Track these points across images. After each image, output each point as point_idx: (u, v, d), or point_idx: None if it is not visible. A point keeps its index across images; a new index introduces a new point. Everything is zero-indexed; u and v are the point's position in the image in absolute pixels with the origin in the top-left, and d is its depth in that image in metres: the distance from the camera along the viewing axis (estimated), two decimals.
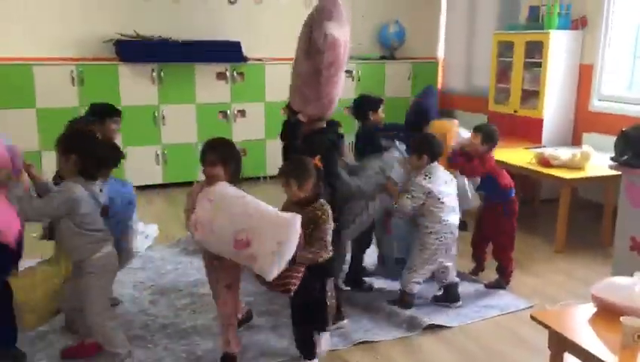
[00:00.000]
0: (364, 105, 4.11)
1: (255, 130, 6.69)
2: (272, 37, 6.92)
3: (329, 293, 2.89)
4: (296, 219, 2.61)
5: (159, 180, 6.39)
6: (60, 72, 5.82)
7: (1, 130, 5.59)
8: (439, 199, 3.50)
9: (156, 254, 4.51)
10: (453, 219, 3.58)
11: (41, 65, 5.77)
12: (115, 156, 3.03)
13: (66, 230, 2.73)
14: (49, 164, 5.83)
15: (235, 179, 2.87)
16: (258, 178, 6.72)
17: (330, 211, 2.82)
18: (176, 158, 6.33)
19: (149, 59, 6.10)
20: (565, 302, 3.58)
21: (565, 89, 5.82)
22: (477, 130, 3.93)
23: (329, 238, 2.81)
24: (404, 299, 3.63)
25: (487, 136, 3.90)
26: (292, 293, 2.75)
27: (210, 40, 6.41)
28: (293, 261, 2.68)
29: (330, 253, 2.84)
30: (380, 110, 4.08)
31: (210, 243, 2.73)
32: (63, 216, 2.69)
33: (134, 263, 4.23)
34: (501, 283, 3.98)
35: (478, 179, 3.97)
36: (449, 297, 3.70)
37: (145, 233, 4.64)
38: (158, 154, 6.32)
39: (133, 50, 6.08)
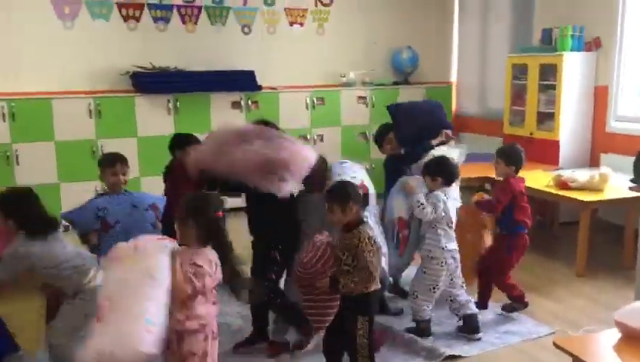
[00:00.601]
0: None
1: None
2: (285, 65, 7.00)
3: (361, 331, 2.81)
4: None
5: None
6: (78, 104, 5.92)
7: (21, 163, 5.71)
8: (448, 224, 3.51)
9: None
10: (453, 246, 3.56)
11: (59, 99, 5.88)
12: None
13: (46, 276, 2.82)
14: (67, 196, 5.92)
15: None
16: None
17: (369, 236, 2.78)
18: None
19: (165, 90, 6.19)
20: (588, 327, 3.51)
21: (581, 110, 5.78)
22: (498, 153, 3.89)
23: (374, 267, 2.76)
24: (420, 327, 3.59)
25: (509, 157, 3.84)
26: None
27: (224, 70, 6.49)
28: (336, 289, 2.72)
29: (378, 286, 2.81)
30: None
31: None
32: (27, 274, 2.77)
33: None
34: (516, 306, 3.89)
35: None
36: (467, 328, 3.63)
37: None
38: None
39: (150, 81, 6.17)
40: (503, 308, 3.92)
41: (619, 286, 4.33)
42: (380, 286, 2.86)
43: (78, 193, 5.95)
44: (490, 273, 3.89)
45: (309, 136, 6.67)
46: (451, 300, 3.61)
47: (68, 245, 2.98)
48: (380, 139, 4.23)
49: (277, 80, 6.84)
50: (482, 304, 3.90)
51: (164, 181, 4.09)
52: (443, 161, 3.61)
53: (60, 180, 5.91)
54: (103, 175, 3.72)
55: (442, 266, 3.50)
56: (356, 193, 2.86)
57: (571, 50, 5.67)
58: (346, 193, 2.83)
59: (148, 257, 2.31)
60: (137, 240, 2.41)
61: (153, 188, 6.16)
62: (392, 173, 4.03)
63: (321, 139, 6.88)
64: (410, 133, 4.05)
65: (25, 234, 2.82)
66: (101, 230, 3.42)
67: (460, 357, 3.37)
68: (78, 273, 2.90)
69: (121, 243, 2.42)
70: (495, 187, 3.90)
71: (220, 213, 2.53)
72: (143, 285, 2.23)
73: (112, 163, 3.68)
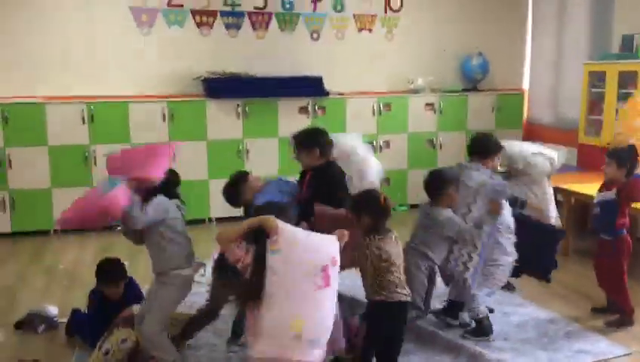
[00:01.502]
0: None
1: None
2: (353, 71, 7.01)
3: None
4: None
5: (238, 212, 6.50)
6: (153, 108, 6.13)
7: (98, 164, 5.96)
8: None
9: None
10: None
11: (135, 103, 6.11)
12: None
13: (159, 236, 3.03)
14: None
15: None
16: None
17: (377, 247, 2.84)
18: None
19: (235, 95, 6.32)
20: None
21: None
22: (610, 155, 3.80)
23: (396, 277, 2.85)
24: (482, 325, 3.58)
25: (621, 158, 3.73)
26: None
27: (292, 75, 6.57)
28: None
29: (396, 298, 2.84)
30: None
31: None
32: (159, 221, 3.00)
33: None
34: (624, 321, 3.78)
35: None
36: (478, 331, 3.61)
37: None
38: None
39: (220, 86, 6.32)
40: (609, 324, 3.80)
41: None
42: (403, 300, 2.87)
43: None
44: (607, 282, 3.86)
45: (375, 143, 6.64)
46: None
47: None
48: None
49: (344, 86, 6.86)
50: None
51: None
52: None
53: None
54: None
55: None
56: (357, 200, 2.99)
57: None
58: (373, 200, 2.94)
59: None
60: None
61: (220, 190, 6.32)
62: None
63: (387, 146, 6.84)
64: None
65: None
66: None
67: None
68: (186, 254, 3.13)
69: None
70: (622, 191, 3.71)
71: None
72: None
73: None
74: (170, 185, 3.20)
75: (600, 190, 3.92)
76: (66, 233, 5.92)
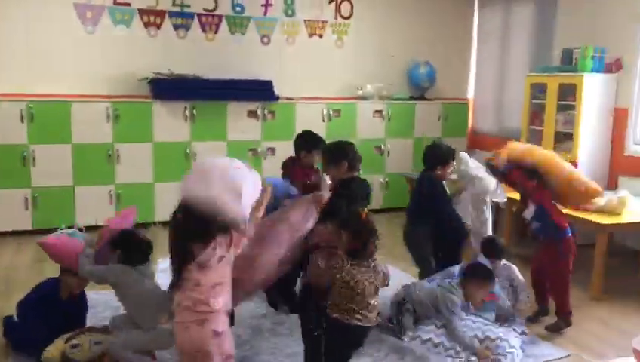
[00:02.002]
0: (434, 158, 4.06)
1: None
2: (302, 77, 7.01)
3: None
4: None
5: None
6: (96, 108, 5.95)
7: (37, 164, 5.74)
8: None
9: None
10: None
11: (78, 103, 5.91)
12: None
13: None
14: (81, 198, 5.94)
15: None
16: None
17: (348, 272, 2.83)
18: None
19: (183, 97, 6.21)
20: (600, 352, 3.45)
21: (600, 132, 5.73)
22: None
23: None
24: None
25: (528, 170, 3.88)
26: None
27: (242, 79, 6.51)
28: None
29: (357, 323, 2.82)
30: (450, 166, 4.04)
31: None
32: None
33: None
34: (565, 322, 3.90)
35: None
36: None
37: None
38: None
39: (167, 88, 6.20)
40: (549, 328, 3.90)
41: (635, 311, 4.26)
42: (360, 325, 2.83)
43: (92, 196, 6.00)
44: (552, 284, 3.97)
45: None
46: None
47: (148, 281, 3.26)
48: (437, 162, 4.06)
49: (294, 91, 6.85)
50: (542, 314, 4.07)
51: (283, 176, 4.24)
52: None
53: (75, 183, 5.94)
54: None
55: None
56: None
57: (592, 72, 5.63)
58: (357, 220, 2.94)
59: None
60: None
61: (166, 193, 6.20)
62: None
63: None
64: None
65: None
66: None
67: None
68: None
69: None
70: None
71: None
72: None
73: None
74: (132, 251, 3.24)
75: (521, 209, 4.09)
76: (2, 235, 5.67)
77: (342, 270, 2.80)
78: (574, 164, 5.65)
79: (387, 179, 7.14)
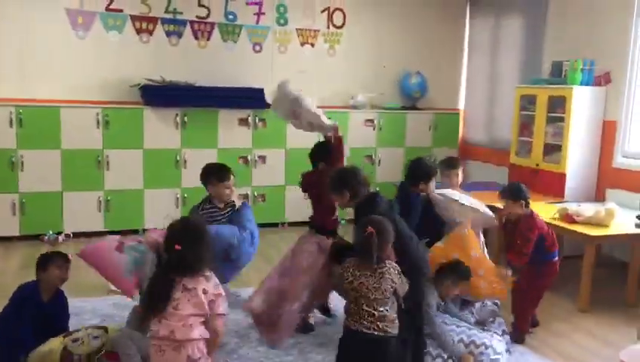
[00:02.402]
0: (418, 173, 3.97)
1: (275, 176, 6.70)
2: (294, 85, 6.97)
3: None
4: None
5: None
6: (86, 114, 5.93)
7: (26, 169, 5.71)
8: None
9: None
10: None
11: (67, 108, 5.89)
12: None
13: None
14: (70, 204, 5.91)
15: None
16: (277, 224, 6.71)
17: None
18: (195, 201, 6.32)
19: (174, 104, 6.20)
20: None
21: (588, 144, 5.77)
22: (502, 194, 3.96)
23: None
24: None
25: (513, 194, 3.88)
26: None
27: (234, 87, 6.51)
28: None
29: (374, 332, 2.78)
30: (432, 183, 3.94)
31: None
32: None
33: None
34: (521, 338, 3.90)
35: None
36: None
37: None
38: (177, 198, 6.34)
39: (159, 94, 6.19)
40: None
41: (621, 323, 4.27)
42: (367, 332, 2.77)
43: (81, 202, 5.97)
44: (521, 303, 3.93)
45: None
46: None
47: None
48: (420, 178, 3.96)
49: None
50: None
51: (304, 191, 4.02)
52: None
53: (63, 189, 5.90)
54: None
55: None
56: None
57: (581, 84, 5.67)
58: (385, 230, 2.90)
59: None
60: None
61: (156, 200, 6.18)
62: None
63: None
64: None
65: None
66: None
67: None
68: None
69: None
70: (518, 228, 3.86)
71: None
72: None
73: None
74: None
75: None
76: None
77: (347, 270, 2.81)
78: (562, 175, 5.71)
79: (378, 189, 7.11)
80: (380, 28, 7.40)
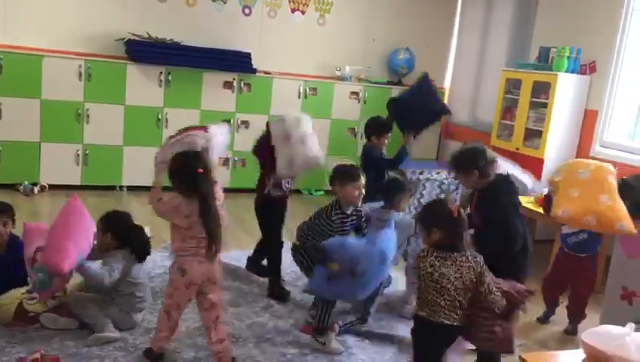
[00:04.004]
0: (368, 128, 4.56)
1: None
2: (282, 51, 6.96)
3: None
4: None
5: (150, 181, 6.34)
6: (69, 65, 5.82)
7: (3, 117, 5.61)
8: None
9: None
10: None
11: (50, 57, 5.77)
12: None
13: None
14: (47, 156, 5.83)
15: None
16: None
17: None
18: None
19: (159, 61, 6.11)
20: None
21: (568, 131, 5.85)
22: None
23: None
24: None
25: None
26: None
27: (220, 48, 6.43)
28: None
29: (452, 321, 2.70)
30: (385, 137, 4.44)
31: None
32: None
33: None
34: (574, 330, 4.02)
35: None
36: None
37: None
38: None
39: (144, 50, 6.09)
40: (566, 331, 4.04)
41: (590, 305, 4.37)
42: (445, 323, 2.70)
43: (58, 154, 5.90)
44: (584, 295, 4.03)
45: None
46: None
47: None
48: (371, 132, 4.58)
49: (272, 65, 6.81)
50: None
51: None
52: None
53: (41, 139, 5.82)
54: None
55: None
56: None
57: (566, 71, 5.73)
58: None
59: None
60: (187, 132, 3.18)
61: (135, 157, 6.14)
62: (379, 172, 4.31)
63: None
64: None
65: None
66: None
67: None
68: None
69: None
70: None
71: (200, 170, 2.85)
72: None
73: None
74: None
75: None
76: None
77: (426, 259, 2.69)
78: (541, 161, 5.79)
79: (359, 162, 7.16)
80: (372, 1, 7.34)
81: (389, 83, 7.41)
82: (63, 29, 6.06)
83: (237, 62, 6.42)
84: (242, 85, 6.51)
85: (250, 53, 6.47)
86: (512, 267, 3.10)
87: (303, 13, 7.06)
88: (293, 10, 7.02)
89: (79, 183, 5.95)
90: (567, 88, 5.72)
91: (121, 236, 3.37)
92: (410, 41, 7.48)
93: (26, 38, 5.88)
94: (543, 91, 5.87)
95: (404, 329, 3.58)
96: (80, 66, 5.85)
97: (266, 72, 6.68)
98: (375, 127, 4.52)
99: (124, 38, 6.11)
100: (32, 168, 5.81)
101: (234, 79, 6.47)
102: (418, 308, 2.76)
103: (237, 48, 6.52)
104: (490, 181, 3.21)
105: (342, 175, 3.56)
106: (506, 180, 3.27)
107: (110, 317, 3.25)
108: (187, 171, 2.85)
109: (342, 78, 7.11)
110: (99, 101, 5.94)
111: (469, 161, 3.22)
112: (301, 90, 6.80)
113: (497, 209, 3.14)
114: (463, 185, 3.50)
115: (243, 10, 6.78)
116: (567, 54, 5.71)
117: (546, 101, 5.79)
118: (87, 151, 6.01)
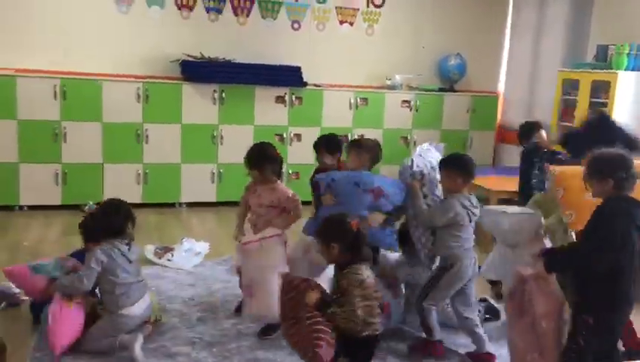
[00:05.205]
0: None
1: (310, 154, 6.68)
2: (331, 64, 7.00)
3: None
4: None
5: (213, 198, 6.49)
6: (127, 88, 6.04)
7: (68, 141, 5.86)
8: None
9: (207, 271, 4.57)
10: None
11: (109, 82, 6.00)
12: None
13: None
14: (110, 176, 6.04)
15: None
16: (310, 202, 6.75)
17: (358, 279, 2.66)
18: (230, 177, 6.41)
19: (212, 80, 6.26)
20: None
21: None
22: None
23: (364, 311, 2.63)
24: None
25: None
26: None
27: (271, 64, 6.54)
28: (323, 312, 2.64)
29: (371, 332, 2.66)
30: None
31: None
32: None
33: (185, 279, 4.33)
34: None
35: None
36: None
37: (195, 250, 4.79)
38: (213, 173, 6.43)
39: (198, 70, 6.26)
40: None
41: None
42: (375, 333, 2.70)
43: (120, 174, 6.11)
44: None
45: (349, 136, 6.64)
46: None
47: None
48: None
49: (322, 78, 6.85)
50: None
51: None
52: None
53: (104, 161, 6.04)
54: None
55: None
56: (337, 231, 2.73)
57: (626, 69, 5.52)
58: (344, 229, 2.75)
59: (271, 252, 3.41)
60: (264, 237, 3.44)
61: (193, 174, 6.29)
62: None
63: None
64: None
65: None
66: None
67: None
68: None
69: (250, 237, 3.51)
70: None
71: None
72: (272, 273, 3.25)
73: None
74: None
75: None
76: (32, 209, 5.82)
77: (351, 271, 2.67)
78: None
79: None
80: (420, 8, 7.30)
81: (440, 90, 7.33)
82: (120, 54, 6.30)
83: (288, 77, 6.50)
84: (294, 99, 6.58)
85: (300, 67, 6.54)
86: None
87: (351, 24, 7.09)
88: (341, 22, 7.06)
89: (140, 201, 6.13)
90: (628, 87, 5.51)
91: None
92: (460, 46, 7.39)
93: (85, 63, 6.14)
94: (602, 90, 5.67)
95: None
96: (138, 89, 6.05)
97: (316, 85, 6.73)
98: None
99: (179, 59, 6.30)
100: (95, 188, 6.03)
101: (285, 93, 6.55)
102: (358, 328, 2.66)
103: (287, 63, 6.60)
104: (611, 198, 2.71)
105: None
106: (621, 203, 2.70)
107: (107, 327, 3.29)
108: None
109: (392, 87, 7.09)
110: (157, 121, 6.13)
111: (607, 168, 2.72)
112: (352, 101, 6.82)
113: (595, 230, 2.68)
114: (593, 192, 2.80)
115: (292, 25, 6.87)
116: (627, 51, 5.51)
117: (606, 101, 5.59)
118: (147, 170, 6.20)
